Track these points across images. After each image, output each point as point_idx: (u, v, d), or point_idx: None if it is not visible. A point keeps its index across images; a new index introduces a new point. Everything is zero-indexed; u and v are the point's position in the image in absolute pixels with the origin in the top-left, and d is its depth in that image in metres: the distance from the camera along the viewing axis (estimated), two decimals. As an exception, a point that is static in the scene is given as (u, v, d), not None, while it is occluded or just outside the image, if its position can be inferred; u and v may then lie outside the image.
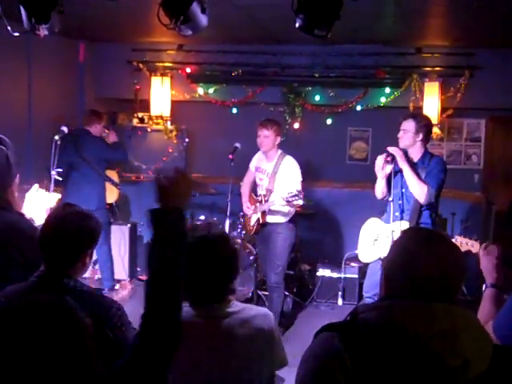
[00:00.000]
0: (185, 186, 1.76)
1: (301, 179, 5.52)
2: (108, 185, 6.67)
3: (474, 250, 4.36)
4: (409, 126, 4.80)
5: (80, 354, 1.31)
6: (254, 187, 6.00)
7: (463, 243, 4.35)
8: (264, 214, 5.63)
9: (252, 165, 5.98)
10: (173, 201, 1.72)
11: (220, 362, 2.25)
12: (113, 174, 6.98)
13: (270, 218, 5.65)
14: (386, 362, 1.57)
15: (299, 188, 5.28)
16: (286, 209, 5.51)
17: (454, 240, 4.37)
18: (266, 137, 5.55)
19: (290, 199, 5.14)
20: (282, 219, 5.61)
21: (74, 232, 2.31)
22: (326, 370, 1.60)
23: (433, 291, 1.65)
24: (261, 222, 5.65)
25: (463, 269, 1.73)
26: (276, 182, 5.59)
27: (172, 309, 1.68)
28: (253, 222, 5.78)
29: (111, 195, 6.88)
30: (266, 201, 5.58)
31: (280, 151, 5.68)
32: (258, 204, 5.71)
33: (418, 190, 4.65)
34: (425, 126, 4.82)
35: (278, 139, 5.61)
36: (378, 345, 1.58)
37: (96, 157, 6.40)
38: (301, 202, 5.30)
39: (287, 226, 5.62)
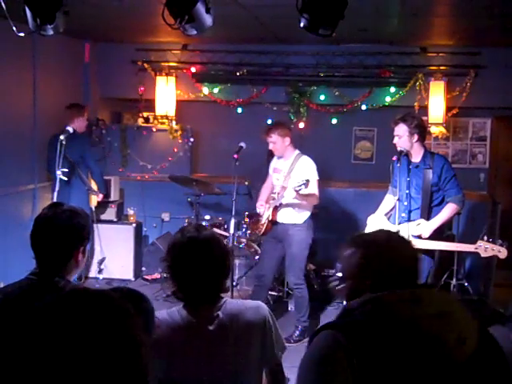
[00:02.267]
0: None
1: (317, 178, 5.51)
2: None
3: (501, 256, 4.35)
4: (401, 130, 4.77)
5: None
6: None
7: (488, 248, 4.33)
8: (275, 210, 5.56)
9: (270, 167, 5.97)
10: None
11: (218, 359, 2.29)
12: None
13: (282, 218, 5.58)
14: (389, 353, 1.61)
15: (313, 183, 5.33)
16: (298, 203, 5.43)
17: (478, 244, 4.37)
18: (274, 142, 5.57)
19: (297, 188, 5.08)
20: (295, 219, 5.55)
21: (64, 230, 2.32)
22: (332, 359, 1.63)
23: (408, 280, 1.81)
24: (270, 218, 5.58)
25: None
26: (290, 179, 5.52)
27: None
28: (264, 219, 5.71)
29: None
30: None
31: (297, 151, 5.67)
32: (271, 201, 5.66)
33: (455, 213, 4.91)
34: (417, 126, 4.77)
35: (287, 140, 5.57)
36: (379, 337, 1.63)
37: (79, 158, 6.38)
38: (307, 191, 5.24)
39: (301, 227, 5.53)
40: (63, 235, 2.31)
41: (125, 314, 1.27)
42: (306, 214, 5.59)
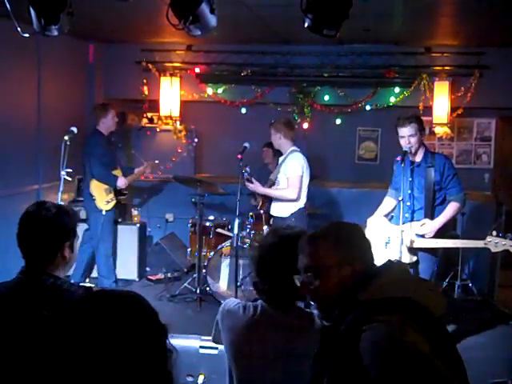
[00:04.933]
0: None
1: (298, 174, 5.66)
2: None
3: None
4: (412, 129, 4.73)
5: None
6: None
7: (498, 243, 4.31)
8: (263, 200, 6.09)
9: None
10: None
11: (281, 359, 2.33)
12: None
13: (273, 211, 5.94)
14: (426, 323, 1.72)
15: (292, 178, 5.66)
16: (278, 194, 5.83)
17: (487, 240, 4.36)
18: (272, 136, 5.88)
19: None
20: (281, 212, 5.80)
21: (48, 227, 2.34)
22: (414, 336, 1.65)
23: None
24: (259, 208, 6.24)
25: None
26: (279, 173, 5.83)
27: None
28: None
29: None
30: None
31: (292, 148, 5.83)
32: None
33: (458, 212, 4.92)
34: (422, 124, 4.85)
35: (279, 135, 5.82)
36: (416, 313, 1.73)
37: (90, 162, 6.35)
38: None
39: (288, 220, 5.70)
40: (47, 232, 2.34)
41: (154, 319, 1.26)
42: (293, 208, 5.75)
